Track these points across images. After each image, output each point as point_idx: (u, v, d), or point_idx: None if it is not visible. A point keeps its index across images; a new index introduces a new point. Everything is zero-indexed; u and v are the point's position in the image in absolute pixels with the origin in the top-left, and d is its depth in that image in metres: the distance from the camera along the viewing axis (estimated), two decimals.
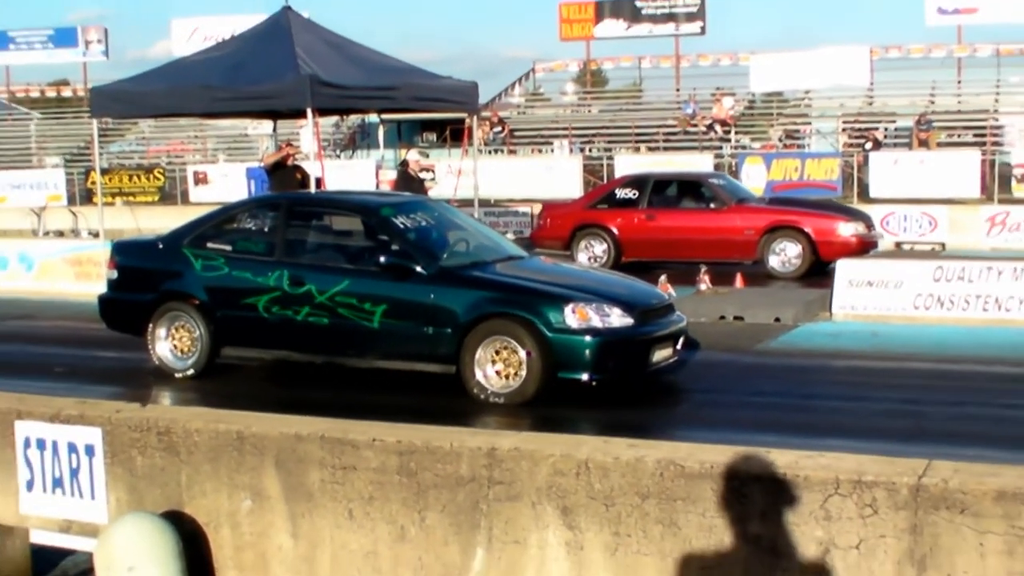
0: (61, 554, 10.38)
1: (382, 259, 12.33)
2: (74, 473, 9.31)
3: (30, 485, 9.52)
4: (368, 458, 8.27)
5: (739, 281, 19.89)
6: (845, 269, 17.83)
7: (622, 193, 24.07)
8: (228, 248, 13.41)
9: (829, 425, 10.77)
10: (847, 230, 22.02)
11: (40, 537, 9.97)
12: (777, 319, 17.02)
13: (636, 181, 24.62)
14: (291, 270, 12.76)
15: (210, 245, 13.47)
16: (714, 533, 7.29)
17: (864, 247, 21.81)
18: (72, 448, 9.29)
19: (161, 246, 13.97)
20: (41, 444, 9.41)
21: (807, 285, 20.18)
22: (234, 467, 8.75)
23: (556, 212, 25.54)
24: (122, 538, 8.28)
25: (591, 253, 23.44)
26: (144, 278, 13.82)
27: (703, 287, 19.10)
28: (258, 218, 14.14)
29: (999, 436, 10.20)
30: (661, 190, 24.13)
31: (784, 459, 7.31)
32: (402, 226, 12.93)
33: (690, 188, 24.20)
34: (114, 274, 14.31)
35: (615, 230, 23.34)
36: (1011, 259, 18.84)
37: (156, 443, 9.03)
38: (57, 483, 9.41)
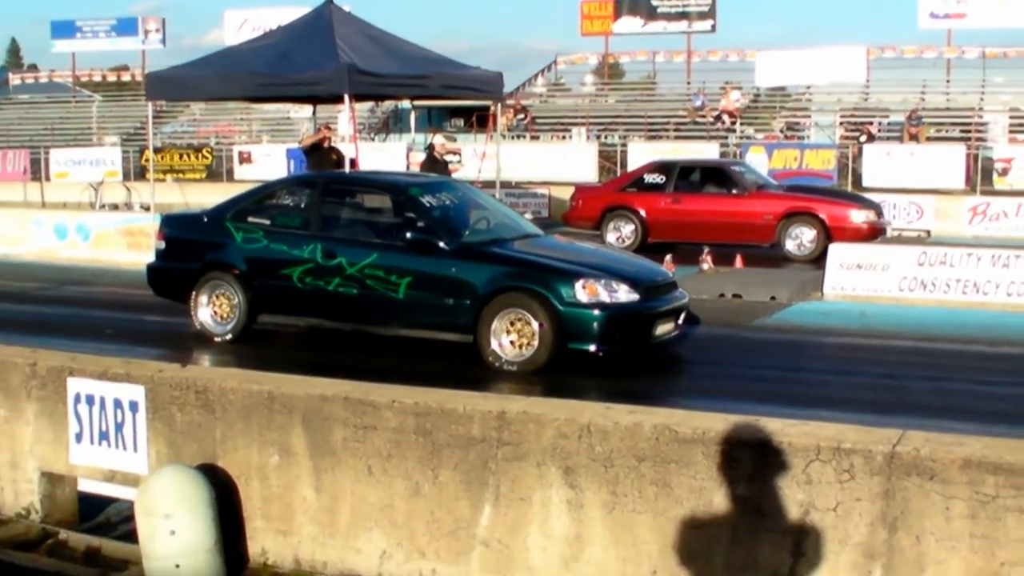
0: (105, 502, 10.36)
1: (408, 235, 12.35)
2: (119, 427, 9.31)
3: (79, 437, 9.52)
4: (387, 418, 8.25)
5: (739, 262, 19.85)
6: (836, 253, 17.78)
7: (650, 178, 24.00)
8: (267, 222, 13.45)
9: (817, 396, 10.75)
10: (859, 217, 22.01)
11: (86, 485, 9.97)
12: (773, 298, 16.95)
13: (663, 167, 24.53)
14: (324, 243, 12.78)
15: (251, 219, 13.51)
16: (704, 494, 7.25)
17: (874, 233, 21.77)
18: (118, 404, 9.29)
19: (206, 219, 14.05)
20: (90, 400, 9.41)
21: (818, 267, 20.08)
22: (264, 424, 8.74)
23: (587, 194, 25.55)
24: (161, 487, 8.27)
25: (620, 234, 23.46)
26: (189, 249, 13.88)
27: (705, 267, 19.07)
28: (295, 195, 14.18)
29: (973, 409, 10.22)
30: (686, 176, 24.07)
31: (771, 426, 7.27)
32: (427, 204, 12.94)
33: (713, 174, 24.13)
34: (162, 245, 14.38)
35: (643, 212, 23.34)
36: (990, 246, 18.82)
37: (194, 401, 9.03)
38: (103, 436, 9.41)
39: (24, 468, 9.99)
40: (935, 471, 6.72)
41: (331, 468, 8.51)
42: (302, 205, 13.75)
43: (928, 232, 27.43)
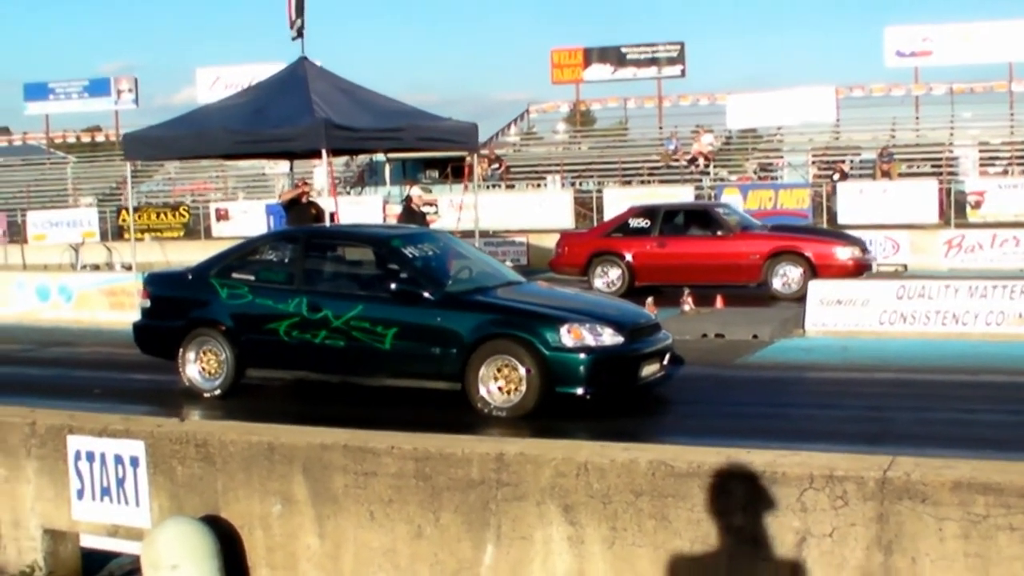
0: (108, 557, 10.45)
1: (392, 286, 12.50)
2: (120, 482, 9.42)
3: (80, 494, 9.63)
4: (387, 464, 8.39)
5: (719, 302, 20.02)
6: (816, 290, 17.99)
7: (635, 222, 24.09)
8: (251, 278, 13.58)
9: (803, 430, 10.93)
10: (844, 254, 22.14)
11: (89, 541, 10.05)
12: (755, 336, 17.13)
13: (647, 211, 24.63)
14: (309, 297, 12.92)
15: (235, 275, 13.65)
16: (701, 526, 7.40)
17: (859, 269, 21.95)
18: (118, 460, 9.40)
19: (190, 277, 14.13)
20: (90, 456, 9.52)
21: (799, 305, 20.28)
22: (265, 475, 8.86)
23: (573, 240, 25.63)
24: (166, 539, 8.39)
25: (607, 279, 23.48)
26: (175, 306, 13.99)
27: (687, 308, 19.21)
28: (278, 250, 14.26)
29: (957, 437, 10.39)
30: (671, 219, 24.17)
31: (763, 458, 7.45)
32: (410, 256, 13.09)
33: (698, 217, 24.22)
34: (147, 303, 14.47)
35: (629, 257, 23.39)
36: (967, 278, 19.05)
37: (194, 454, 9.15)
38: (105, 492, 9.52)
39: (26, 526, 10.08)
40: (926, 494, 6.89)
41: (333, 515, 8.63)
42: (286, 260, 13.86)
43: (905, 266, 27.73)
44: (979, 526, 6.79)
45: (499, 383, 11.92)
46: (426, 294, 12.43)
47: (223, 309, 13.45)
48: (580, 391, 11.78)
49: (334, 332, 12.68)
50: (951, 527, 6.85)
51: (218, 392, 13.40)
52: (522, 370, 11.74)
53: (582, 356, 11.74)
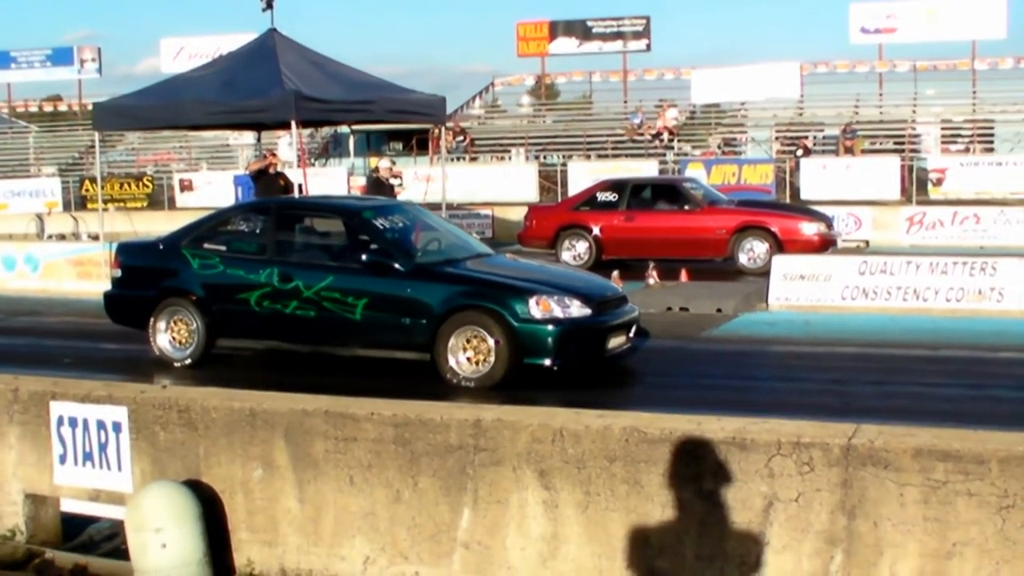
0: (87, 521, 10.61)
1: (363, 257, 12.65)
2: (103, 447, 9.59)
3: (63, 459, 9.79)
4: (367, 430, 8.60)
5: (684, 276, 20.25)
6: (780, 264, 18.26)
7: (603, 196, 24.25)
8: (223, 248, 13.70)
9: (767, 402, 11.09)
10: (810, 229, 22.36)
11: (70, 506, 10.22)
12: (719, 310, 17.38)
13: (616, 185, 24.80)
14: (280, 268, 13.05)
15: (206, 246, 13.75)
16: (672, 490, 7.66)
17: (825, 244, 22.12)
18: (101, 425, 9.57)
19: (161, 247, 14.22)
20: (73, 422, 9.69)
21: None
22: (247, 440, 9.06)
23: (541, 214, 25.74)
24: (150, 503, 8.57)
25: (574, 252, 23.65)
26: (146, 276, 14.07)
27: (651, 281, 19.43)
28: (250, 221, 14.41)
29: (919, 410, 10.55)
30: (639, 193, 24.33)
31: (733, 425, 7.74)
32: (381, 227, 13.24)
33: (666, 191, 24.44)
34: (118, 273, 14.54)
35: (596, 230, 23.56)
36: (928, 254, 19.29)
37: (177, 419, 9.33)
38: (87, 457, 9.68)
39: (8, 491, 10.24)
40: (889, 460, 7.19)
41: (313, 479, 8.85)
42: (257, 230, 14.02)
43: (866, 243, 28.06)
44: (938, 491, 7.08)
45: (468, 354, 12.10)
46: (396, 265, 12.58)
47: (194, 279, 13.57)
48: (548, 362, 11.97)
49: (305, 302, 12.84)
50: (912, 492, 7.14)
51: (188, 362, 13.53)
52: (491, 341, 11.94)
53: (550, 328, 11.93)
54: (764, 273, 20.03)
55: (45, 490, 10.12)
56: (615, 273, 17.78)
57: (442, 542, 8.41)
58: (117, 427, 9.51)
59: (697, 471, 7.60)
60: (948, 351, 14.15)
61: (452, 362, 12.13)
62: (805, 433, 7.48)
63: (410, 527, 8.53)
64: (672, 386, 12.72)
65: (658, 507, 7.72)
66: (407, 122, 24.34)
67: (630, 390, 12.82)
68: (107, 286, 14.89)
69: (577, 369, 12.47)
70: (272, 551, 9.02)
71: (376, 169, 21.43)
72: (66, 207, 42.16)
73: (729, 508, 7.54)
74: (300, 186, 19.72)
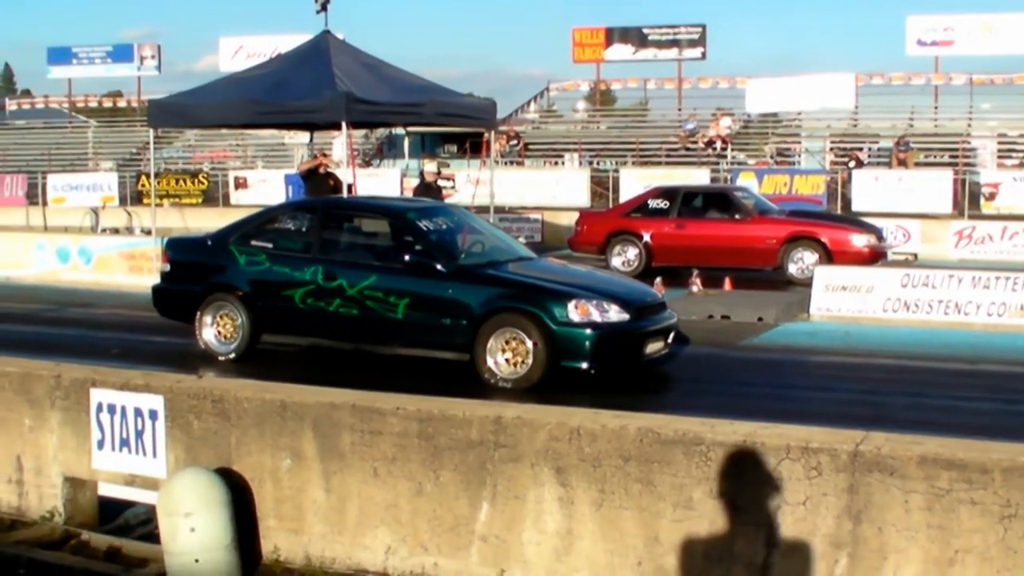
0: (122, 506, 10.90)
1: (406, 257, 12.88)
2: (139, 434, 9.86)
3: (100, 444, 10.08)
4: (392, 424, 8.83)
5: (728, 284, 20.37)
6: (822, 275, 18.35)
7: (654, 203, 24.47)
8: (269, 246, 13.98)
9: (799, 411, 11.13)
10: (860, 241, 22.46)
11: (106, 490, 10.50)
12: (760, 319, 17.51)
13: (667, 192, 25.01)
14: (325, 266, 13.31)
15: (253, 243, 14.04)
16: (684, 490, 7.83)
17: (875, 257, 22.24)
18: (138, 413, 9.85)
19: (209, 243, 14.57)
20: (111, 409, 9.96)
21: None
22: (277, 431, 9.31)
23: (592, 219, 25.97)
24: (181, 488, 8.82)
25: (624, 258, 23.90)
26: (194, 271, 14.39)
27: (694, 289, 19.58)
28: (296, 219, 14.71)
29: (950, 423, 10.63)
30: (690, 201, 24.56)
31: (745, 428, 7.90)
32: (425, 228, 13.46)
33: (717, 200, 24.59)
34: (167, 267, 14.88)
35: (647, 237, 23.77)
36: (971, 268, 19.33)
37: (211, 409, 9.60)
38: (124, 443, 9.96)
39: (48, 474, 10.55)
40: (895, 467, 7.33)
41: (339, 471, 9.08)
42: (303, 229, 14.28)
43: (915, 255, 28.07)
44: (943, 499, 7.20)
45: (506, 355, 12.31)
46: (439, 266, 12.80)
47: (241, 275, 13.86)
48: (585, 366, 12.14)
49: (348, 300, 13.08)
50: (916, 499, 7.26)
51: (233, 356, 13.84)
52: (529, 343, 12.13)
53: (588, 331, 12.11)
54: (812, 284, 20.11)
55: (84, 474, 10.40)
56: (658, 280, 17.96)
57: (461, 534, 8.62)
58: (153, 415, 9.78)
59: (708, 472, 7.76)
60: (986, 366, 14.24)
61: (491, 363, 12.33)
62: (814, 439, 7.63)
63: (431, 519, 8.73)
64: (707, 393, 12.83)
65: (669, 506, 7.89)
66: (457, 125, 24.58)
67: (664, 396, 12.94)
68: (157, 280, 15.19)
69: (614, 373, 12.65)
70: (298, 539, 9.26)
71: (424, 172, 21.69)
72: (122, 202, 42.72)
73: (738, 509, 7.70)
74: (350, 186, 20.01)
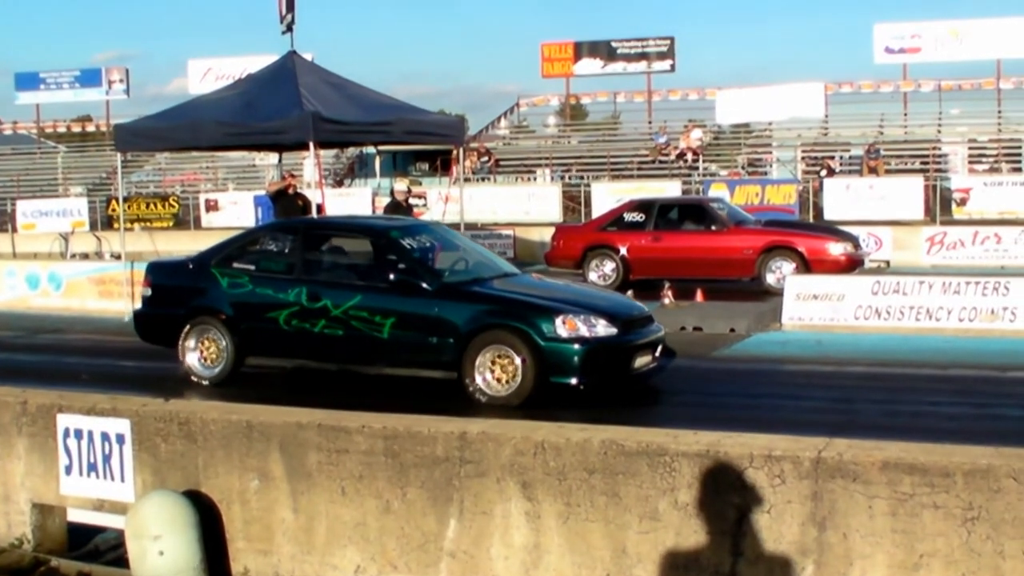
0: (92, 532, 10.90)
1: (391, 276, 12.82)
2: (106, 459, 9.90)
3: (68, 469, 10.10)
4: (358, 442, 8.88)
5: (699, 295, 20.38)
6: (794, 284, 18.37)
7: (630, 216, 24.36)
8: (252, 268, 13.87)
9: (772, 420, 11.18)
10: (837, 249, 22.38)
11: (75, 515, 10.52)
12: (732, 329, 17.54)
13: (643, 205, 24.93)
14: (309, 287, 13.22)
15: (235, 265, 13.93)
16: (649, 501, 7.91)
17: (852, 264, 22.20)
18: (105, 437, 9.88)
19: (191, 266, 14.44)
20: (79, 434, 9.99)
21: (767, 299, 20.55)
22: (244, 452, 9.35)
23: (568, 234, 25.83)
24: (149, 511, 8.87)
25: (601, 272, 23.73)
26: (176, 295, 14.27)
27: (666, 301, 19.53)
28: (279, 240, 14.48)
29: (921, 428, 10.65)
30: (666, 213, 24.45)
31: (708, 438, 7.98)
32: (408, 247, 13.40)
33: (693, 212, 24.51)
34: (148, 292, 14.73)
35: (623, 250, 23.66)
36: (942, 274, 19.42)
37: (177, 432, 9.63)
38: (91, 468, 9.99)
39: (16, 500, 10.57)
40: (858, 473, 7.42)
41: (307, 490, 9.13)
42: (286, 250, 14.14)
43: (887, 263, 28.13)
44: (906, 504, 7.31)
45: (494, 372, 12.22)
46: (423, 284, 12.74)
47: (223, 298, 13.76)
48: (574, 381, 12.08)
49: (333, 321, 12.99)
50: (880, 505, 7.36)
51: (217, 380, 13.68)
52: (517, 360, 12.05)
53: (576, 347, 12.05)
54: None
55: (52, 500, 10.42)
56: (629, 293, 17.93)
57: (429, 551, 8.68)
58: (120, 439, 9.81)
59: (673, 483, 7.83)
60: (957, 370, 14.28)
61: (479, 381, 12.24)
62: (777, 447, 7.71)
63: (399, 537, 8.79)
64: (680, 404, 12.87)
65: (636, 518, 7.95)
66: (426, 143, 24.63)
67: (632, 408, 12.66)
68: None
69: (602, 388, 12.57)
70: (267, 559, 9.31)
71: (394, 190, 21.67)
72: (93, 227, 42.54)
73: (703, 519, 7.77)
74: (319, 206, 19.98)
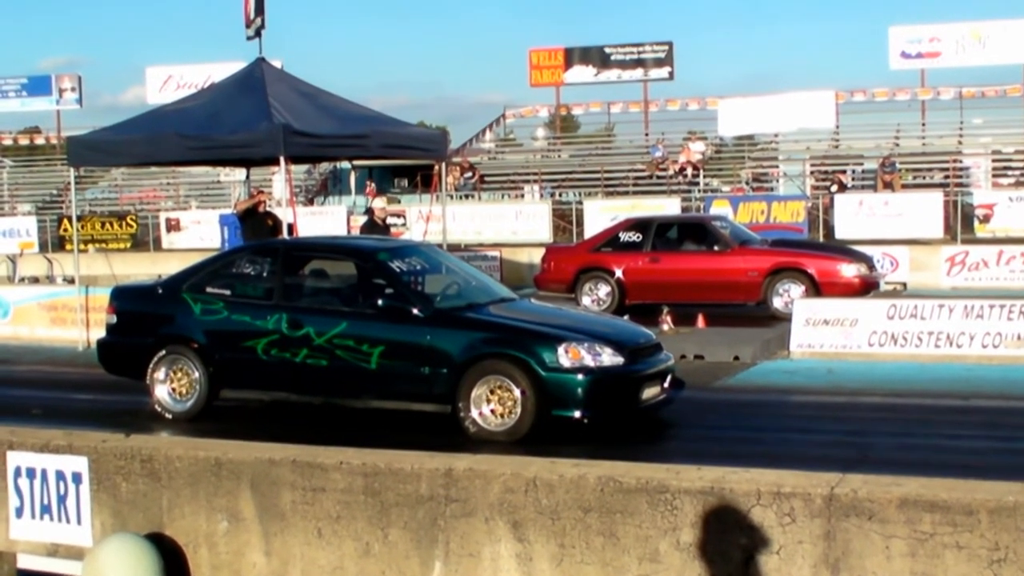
0: None
1: (379, 302, 12.75)
2: (61, 499, 9.89)
3: (19, 512, 10.10)
4: (336, 480, 8.91)
5: (700, 321, 20.40)
6: (802, 308, 18.32)
7: (626, 236, 24.26)
8: (227, 292, 13.77)
9: (780, 455, 11.12)
10: (849, 271, 22.33)
11: (26, 562, 10.47)
12: (736, 357, 17.55)
13: (639, 224, 24.80)
14: (290, 313, 13.13)
15: (209, 289, 13.83)
16: (649, 542, 7.95)
17: (866, 287, 22.16)
18: (60, 476, 9.87)
19: (160, 291, 14.32)
20: (31, 473, 9.98)
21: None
22: (212, 491, 9.36)
23: (559, 255, 25.73)
24: (108, 558, 8.85)
25: (595, 296, 23.67)
26: (143, 322, 14.17)
27: (665, 327, 19.51)
28: (256, 263, 14.35)
29: (940, 464, 10.62)
30: (664, 233, 24.37)
31: (712, 474, 8.03)
32: (398, 270, 13.34)
33: (693, 231, 24.39)
34: (113, 319, 14.60)
35: (619, 273, 23.61)
36: (963, 297, 19.37)
37: (139, 470, 9.64)
38: (45, 509, 9.98)
39: None
40: (873, 511, 7.47)
41: (280, 532, 9.16)
42: (264, 273, 14.05)
43: (904, 285, 28.08)
44: (926, 544, 7.35)
45: (492, 405, 12.14)
46: (414, 311, 12.66)
47: (196, 325, 13.65)
48: (578, 414, 12.03)
49: (316, 350, 12.90)
50: (898, 545, 7.41)
51: (189, 414, 13.56)
52: (517, 392, 11.97)
53: (580, 377, 11.98)
54: None
55: (1, 545, 10.40)
56: (625, 317, 17.95)
57: None
58: (77, 478, 9.80)
59: (674, 522, 7.87)
60: (980, 401, 14.28)
61: (475, 414, 12.16)
62: (786, 483, 7.76)
63: None
64: (680, 438, 12.90)
65: (634, 560, 8.00)
66: (405, 157, 24.59)
67: (635, 446, 12.54)
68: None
69: (608, 422, 12.55)
70: None
71: (371, 210, 21.66)
72: (43, 248, 42.43)
73: (707, 561, 7.81)
74: (290, 226, 19.98)
